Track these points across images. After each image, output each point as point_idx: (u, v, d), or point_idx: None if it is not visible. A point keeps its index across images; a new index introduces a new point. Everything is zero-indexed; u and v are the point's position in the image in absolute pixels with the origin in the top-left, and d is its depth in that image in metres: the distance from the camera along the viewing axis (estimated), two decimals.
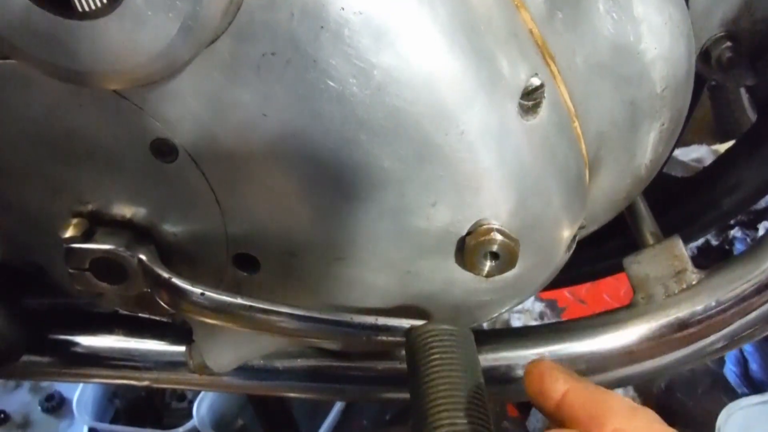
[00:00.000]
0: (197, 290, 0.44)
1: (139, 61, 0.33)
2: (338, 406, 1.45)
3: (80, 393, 1.54)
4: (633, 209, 0.61)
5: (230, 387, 0.58)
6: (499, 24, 0.41)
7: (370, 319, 0.44)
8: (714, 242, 1.27)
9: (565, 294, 1.34)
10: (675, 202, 0.67)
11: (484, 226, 0.42)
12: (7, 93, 0.41)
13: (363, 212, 0.42)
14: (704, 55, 0.58)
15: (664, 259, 0.54)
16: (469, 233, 0.42)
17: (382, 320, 0.44)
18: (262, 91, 0.38)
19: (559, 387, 0.38)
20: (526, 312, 1.30)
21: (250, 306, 0.43)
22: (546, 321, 1.30)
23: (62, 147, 0.43)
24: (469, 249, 0.42)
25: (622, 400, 0.37)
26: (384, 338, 0.44)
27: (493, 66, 0.40)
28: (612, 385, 0.55)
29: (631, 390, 1.14)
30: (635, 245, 0.62)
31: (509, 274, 0.44)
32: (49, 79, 0.36)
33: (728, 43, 0.56)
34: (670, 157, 0.59)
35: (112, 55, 0.33)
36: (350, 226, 0.43)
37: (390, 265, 0.45)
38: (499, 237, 0.41)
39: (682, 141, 0.64)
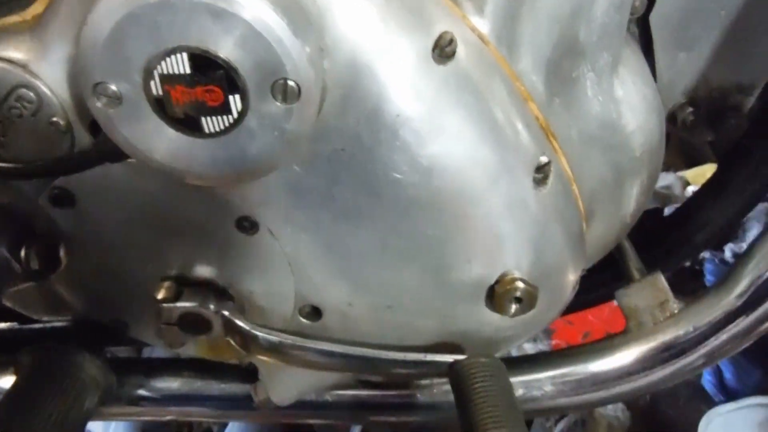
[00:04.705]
0: (275, 338, 0.53)
1: (246, 168, 0.43)
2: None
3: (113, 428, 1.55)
4: (620, 249, 0.72)
5: (288, 418, 0.66)
6: (514, 115, 0.51)
7: (419, 356, 0.53)
8: (686, 263, 1.40)
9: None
10: (655, 239, 0.78)
11: (509, 277, 0.52)
12: (118, 184, 0.49)
13: (410, 269, 0.52)
14: (671, 118, 0.68)
15: (650, 292, 0.65)
16: (497, 282, 0.52)
17: (430, 356, 0.53)
18: (333, 179, 0.48)
19: None
20: None
21: (320, 350, 0.53)
22: (538, 342, 1.40)
23: (160, 224, 0.52)
24: (497, 295, 0.52)
25: None
26: (430, 371, 0.53)
27: (512, 150, 0.50)
28: (613, 400, 0.65)
29: (620, 404, 1.25)
30: (620, 277, 0.72)
31: (529, 314, 0.54)
32: (157, 174, 0.45)
33: (690, 108, 0.67)
34: None
35: (225, 164, 0.42)
36: (399, 280, 0.53)
37: (432, 311, 0.54)
38: (521, 285, 0.51)
39: None
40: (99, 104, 0.39)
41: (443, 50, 0.45)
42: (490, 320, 0.54)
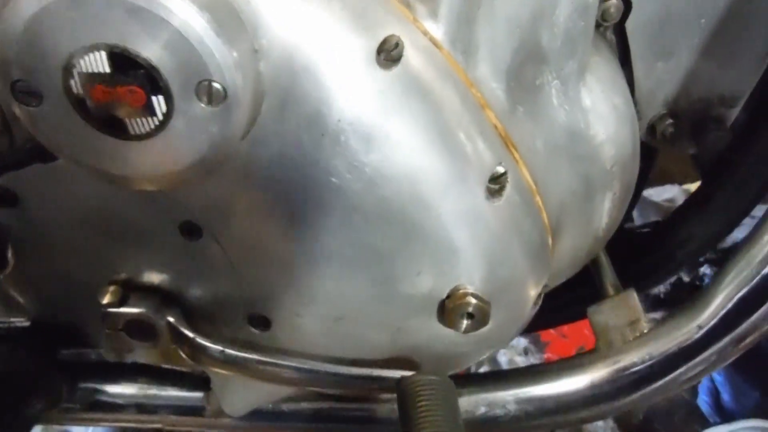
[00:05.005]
0: (218, 347, 0.51)
1: (176, 170, 0.41)
2: None
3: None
4: (596, 263, 0.69)
5: (241, 429, 0.64)
6: (468, 123, 0.49)
7: (366, 371, 0.51)
8: (686, 279, 1.36)
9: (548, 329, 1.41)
10: (635, 254, 0.75)
11: (461, 291, 0.50)
12: (60, 184, 0.48)
13: (358, 280, 0.50)
14: (651, 130, 0.66)
15: (622, 310, 0.62)
16: (448, 297, 0.50)
17: (376, 372, 0.51)
18: (273, 185, 0.46)
19: None
20: (512, 347, 1.37)
21: (264, 361, 0.51)
22: (530, 355, 1.37)
23: (103, 227, 0.51)
24: (448, 310, 0.50)
25: None
26: (377, 387, 0.51)
27: (463, 159, 0.48)
28: (579, 422, 0.62)
29: (610, 421, 1.21)
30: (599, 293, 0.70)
31: (483, 330, 0.51)
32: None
33: (670, 120, 0.64)
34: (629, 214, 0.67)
35: (154, 166, 0.41)
36: (346, 291, 0.51)
37: (382, 324, 0.52)
38: (473, 300, 0.49)
39: (654, 181, 0.73)
40: (18, 103, 0.38)
41: (389, 54, 0.44)
42: (442, 335, 0.52)
